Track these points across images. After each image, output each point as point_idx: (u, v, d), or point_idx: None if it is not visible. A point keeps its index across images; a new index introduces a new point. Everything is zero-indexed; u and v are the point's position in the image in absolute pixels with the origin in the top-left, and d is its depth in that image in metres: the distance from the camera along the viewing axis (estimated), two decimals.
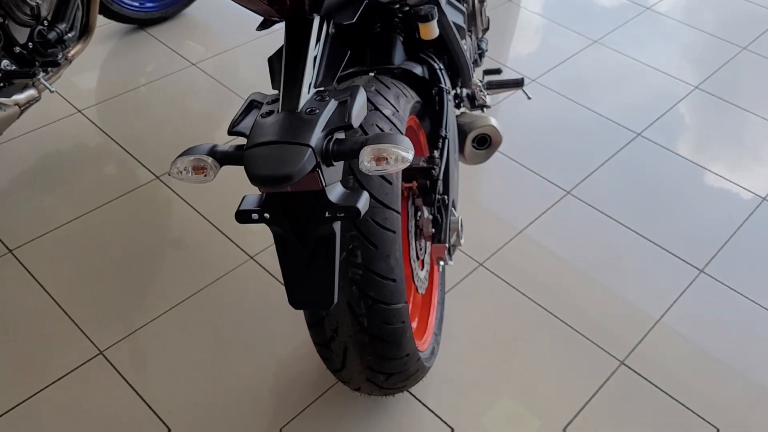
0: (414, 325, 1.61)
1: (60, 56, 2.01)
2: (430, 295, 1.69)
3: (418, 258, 1.55)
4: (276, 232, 1.07)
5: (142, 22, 2.80)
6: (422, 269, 1.59)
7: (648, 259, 2.04)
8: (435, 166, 1.45)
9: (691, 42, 3.05)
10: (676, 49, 2.99)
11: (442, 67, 1.61)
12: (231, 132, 1.04)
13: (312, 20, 1.09)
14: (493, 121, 1.72)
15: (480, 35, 2.02)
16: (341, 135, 1.04)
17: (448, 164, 1.56)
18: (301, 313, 1.82)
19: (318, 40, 1.11)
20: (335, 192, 1.05)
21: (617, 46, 2.98)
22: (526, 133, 2.46)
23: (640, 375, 1.75)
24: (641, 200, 2.23)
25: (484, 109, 1.62)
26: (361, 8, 1.18)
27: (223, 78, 2.64)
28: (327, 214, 1.03)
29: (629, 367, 1.76)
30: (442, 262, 1.51)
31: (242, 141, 1.04)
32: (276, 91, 1.10)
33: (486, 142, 1.75)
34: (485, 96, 1.52)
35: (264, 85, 2.53)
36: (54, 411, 1.59)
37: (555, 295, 1.92)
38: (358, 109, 1.04)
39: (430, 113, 1.61)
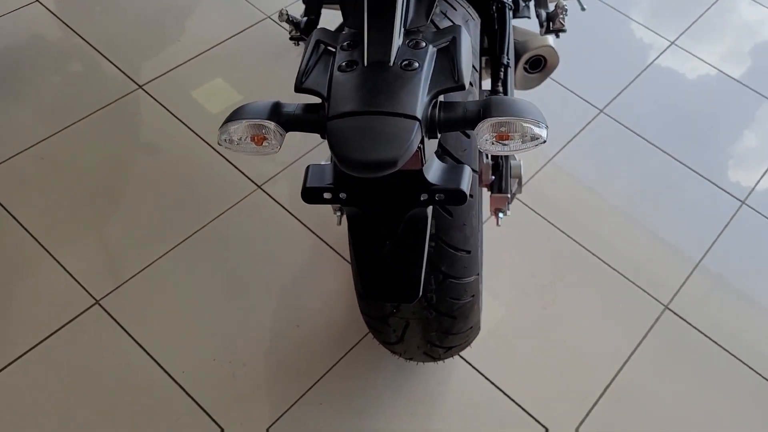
0: None
1: None
2: None
3: None
4: (352, 212, 0.86)
5: None
6: None
7: (688, 189, 1.89)
8: None
9: None
10: None
11: None
12: (300, 89, 0.80)
13: None
14: (551, 41, 1.47)
15: None
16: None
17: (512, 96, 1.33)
18: (320, 252, 1.63)
19: None
20: (432, 169, 0.83)
21: None
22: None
23: (684, 320, 1.64)
24: (677, 121, 2.05)
25: (560, 34, 1.38)
26: None
27: None
28: (423, 197, 0.82)
29: (674, 312, 1.65)
30: (501, 214, 1.32)
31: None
32: (348, 29, 0.85)
33: (540, 65, 1.51)
34: (564, 19, 1.27)
35: None
36: (48, 373, 1.39)
37: (592, 231, 1.77)
38: (465, 61, 0.80)
39: (486, 31, 1.36)
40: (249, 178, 1.73)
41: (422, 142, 0.76)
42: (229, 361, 1.45)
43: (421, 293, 0.91)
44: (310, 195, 0.83)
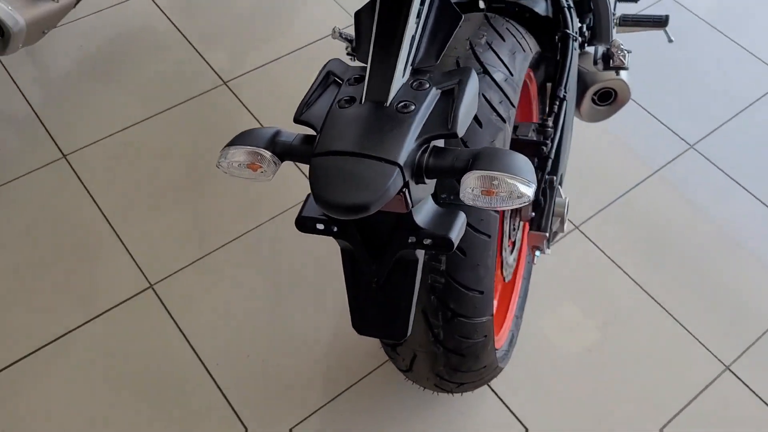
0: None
1: None
2: (515, 274, 1.47)
3: (509, 239, 1.31)
4: (344, 245, 0.86)
5: None
6: (511, 253, 1.35)
7: None
8: (546, 141, 1.18)
9: None
10: None
11: (571, 4, 1.28)
12: (297, 120, 0.81)
13: None
14: (623, 73, 1.39)
15: None
16: (439, 141, 0.79)
17: (562, 132, 1.28)
18: None
19: (424, 1, 0.83)
20: (424, 212, 0.81)
21: None
22: (647, 66, 2.09)
23: (747, 385, 1.52)
24: None
25: (619, 72, 1.31)
26: None
27: None
28: (411, 240, 0.81)
29: (735, 374, 1.53)
30: (538, 252, 1.27)
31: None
32: (360, 64, 0.85)
33: (610, 98, 1.44)
34: (625, 57, 1.20)
35: None
36: (92, 350, 1.50)
37: (660, 276, 1.66)
38: (467, 108, 0.78)
39: (547, 62, 1.31)
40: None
41: (407, 186, 0.75)
42: (262, 360, 1.49)
43: (409, 333, 0.90)
44: (304, 224, 0.84)
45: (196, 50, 2.05)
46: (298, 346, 1.51)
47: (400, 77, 0.79)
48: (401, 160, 0.72)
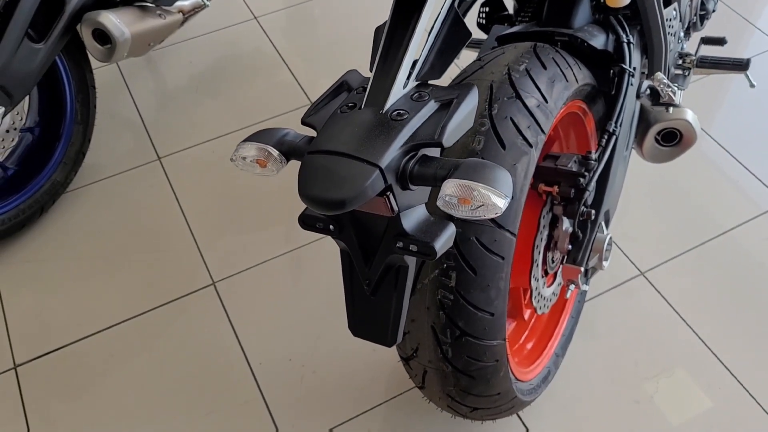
0: (528, 347, 1.38)
1: None
2: (561, 311, 1.43)
3: (546, 274, 1.29)
4: (342, 247, 0.89)
5: None
6: (549, 286, 1.33)
7: None
8: (585, 173, 1.16)
9: None
10: None
11: (631, 40, 1.26)
12: (303, 122, 0.86)
13: None
14: (690, 115, 1.34)
15: None
16: (434, 151, 0.82)
17: (608, 167, 1.25)
18: None
19: (437, 18, 0.86)
20: (413, 218, 0.83)
21: None
22: (739, 114, 1.98)
23: None
24: None
25: (670, 109, 1.26)
26: None
27: None
28: (399, 245, 0.83)
29: None
30: (572, 286, 1.24)
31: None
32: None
33: (674, 139, 1.39)
34: (674, 92, 1.16)
35: None
36: (152, 335, 1.61)
37: (722, 332, 1.56)
38: (459, 122, 0.80)
39: (605, 96, 1.29)
40: None
41: (390, 190, 0.78)
42: (302, 365, 1.55)
43: (399, 340, 0.91)
44: (306, 221, 0.88)
45: (291, 72, 2.18)
46: (336, 357, 1.55)
47: (401, 88, 0.82)
48: (382, 163, 0.75)
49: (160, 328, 1.62)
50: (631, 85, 1.25)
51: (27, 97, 1.73)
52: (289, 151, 0.85)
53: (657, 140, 1.39)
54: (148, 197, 1.87)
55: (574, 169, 1.16)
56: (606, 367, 1.52)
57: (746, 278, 1.65)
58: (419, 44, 0.85)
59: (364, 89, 0.85)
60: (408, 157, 0.78)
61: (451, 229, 0.83)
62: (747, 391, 1.47)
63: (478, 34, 1.67)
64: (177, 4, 1.83)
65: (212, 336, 1.60)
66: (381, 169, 0.75)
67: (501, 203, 0.73)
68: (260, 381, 1.52)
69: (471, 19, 1.41)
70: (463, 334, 1.04)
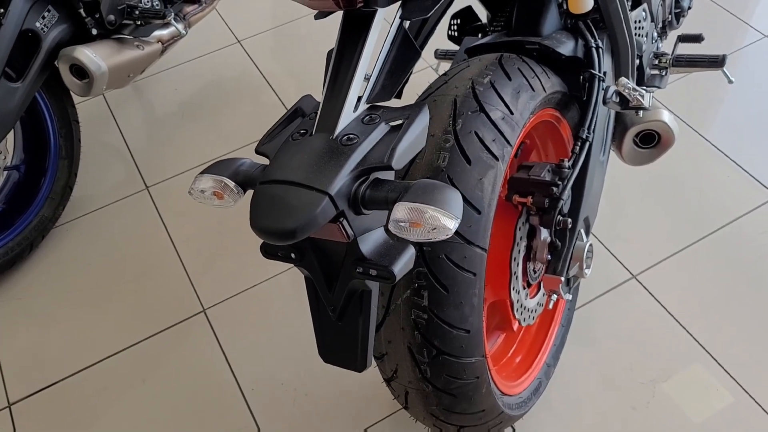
0: (516, 360, 1.36)
1: None
2: (550, 321, 1.41)
3: (528, 285, 1.27)
4: (305, 274, 0.89)
5: None
6: (533, 297, 1.31)
7: None
8: (559, 182, 1.15)
9: None
10: None
11: (600, 45, 1.25)
12: (257, 151, 0.86)
13: (374, 13, 0.84)
14: (666, 116, 1.33)
15: None
16: (388, 174, 0.81)
17: (584, 174, 1.24)
18: None
19: (385, 39, 0.86)
20: (371, 242, 0.83)
21: None
22: (722, 108, 1.96)
23: None
24: None
25: (640, 112, 1.25)
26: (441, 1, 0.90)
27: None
28: (359, 270, 0.82)
29: None
30: (554, 296, 1.23)
31: None
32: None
33: (653, 141, 1.37)
34: (641, 95, 1.15)
35: None
36: (145, 366, 1.61)
37: (717, 333, 1.53)
38: (409, 143, 0.79)
39: (578, 102, 1.28)
40: None
41: (344, 216, 0.77)
42: (294, 388, 1.54)
43: (369, 365, 0.90)
44: (268, 250, 0.88)
45: (277, 94, 2.18)
46: (328, 378, 1.54)
47: (351, 112, 0.82)
48: (332, 190, 0.75)
49: (152, 359, 1.62)
50: (602, 90, 1.24)
51: (11, 136, 1.75)
52: (245, 181, 0.85)
53: (636, 143, 1.38)
54: (137, 227, 1.88)
55: (546, 179, 1.15)
56: (601, 373, 1.50)
57: (739, 276, 1.62)
58: (368, 66, 0.84)
59: (316, 115, 0.85)
60: (359, 181, 0.78)
61: (410, 251, 0.82)
62: (746, 391, 1.45)
63: (449, 45, 1.67)
64: (155, 34, 1.84)
65: (204, 364, 1.60)
66: (330, 196, 0.74)
67: (451, 224, 0.72)
68: (253, 407, 1.52)
69: (441, 32, 1.41)
70: (440, 353, 1.03)
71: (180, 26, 1.89)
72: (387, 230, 0.86)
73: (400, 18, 0.89)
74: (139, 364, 1.61)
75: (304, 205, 0.74)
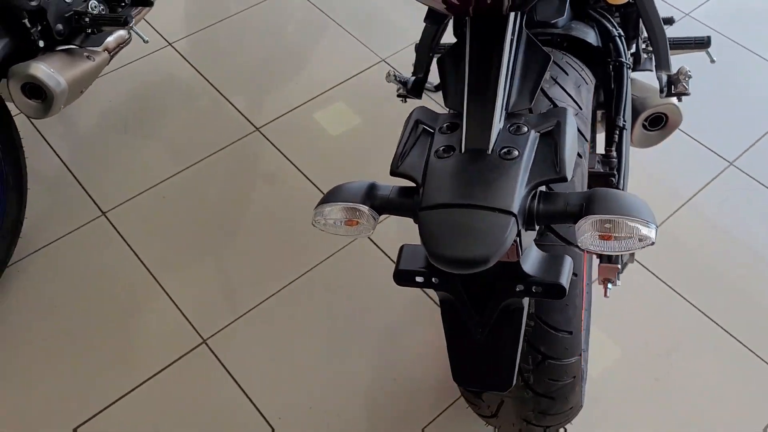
0: None
1: None
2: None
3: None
4: (445, 297, 0.83)
5: None
6: None
7: None
8: (614, 172, 1.16)
9: None
10: None
11: (621, 33, 1.27)
12: (396, 173, 0.79)
13: (507, 18, 0.79)
14: (674, 98, 1.38)
15: None
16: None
17: (626, 161, 1.26)
18: (421, 303, 1.61)
19: (513, 44, 0.81)
20: (531, 259, 0.79)
21: None
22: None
23: None
24: None
25: (682, 98, 1.30)
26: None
27: (321, 2, 2.33)
28: (519, 288, 0.78)
29: None
30: (610, 285, 1.25)
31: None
32: (449, 110, 0.83)
33: (661, 122, 1.42)
34: (688, 83, 1.19)
35: (374, 27, 2.22)
36: (155, 409, 1.46)
37: (715, 297, 1.63)
38: (570, 150, 0.76)
39: (597, 91, 1.30)
40: None
41: (519, 235, 0.73)
42: (324, 411, 1.46)
43: (514, 383, 0.87)
44: (403, 277, 0.81)
45: (224, 97, 2.04)
46: (358, 395, 1.47)
47: (499, 122, 0.77)
48: (516, 209, 0.70)
49: (160, 401, 1.46)
50: (628, 77, 1.26)
51: None
52: (382, 205, 0.78)
53: (645, 126, 1.42)
54: (102, 257, 1.69)
55: (601, 170, 1.16)
56: (622, 352, 1.55)
57: (716, 240, 1.74)
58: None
59: (450, 128, 0.79)
60: (530, 197, 0.74)
61: (569, 263, 0.79)
62: (750, 350, 1.55)
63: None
64: (103, 42, 1.65)
65: (220, 399, 1.47)
66: (515, 216, 0.70)
67: (651, 233, 0.70)
68: None
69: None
70: (545, 358, 1.01)
71: (124, 32, 1.71)
72: (566, 242, 0.82)
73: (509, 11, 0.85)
74: (148, 409, 1.45)
75: (492, 229, 0.69)
